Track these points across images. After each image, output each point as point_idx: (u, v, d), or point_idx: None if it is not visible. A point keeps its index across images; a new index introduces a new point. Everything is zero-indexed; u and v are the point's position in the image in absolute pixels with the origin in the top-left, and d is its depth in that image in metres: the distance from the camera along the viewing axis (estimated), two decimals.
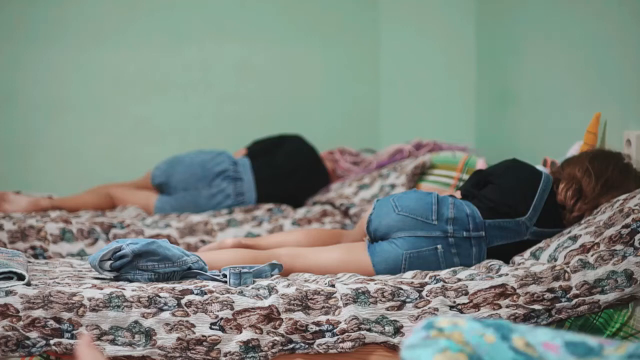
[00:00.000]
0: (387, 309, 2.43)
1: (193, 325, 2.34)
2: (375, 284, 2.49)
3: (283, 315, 2.38)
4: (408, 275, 2.65)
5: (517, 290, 2.48)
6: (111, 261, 2.52)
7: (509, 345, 1.39)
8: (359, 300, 2.43)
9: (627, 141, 3.06)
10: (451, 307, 2.46)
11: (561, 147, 3.37)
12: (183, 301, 2.36)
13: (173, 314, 2.34)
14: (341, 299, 2.43)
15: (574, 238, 2.65)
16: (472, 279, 2.52)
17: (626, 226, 2.56)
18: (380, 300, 2.44)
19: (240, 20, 4.78)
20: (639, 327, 2.48)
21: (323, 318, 2.40)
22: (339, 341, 2.37)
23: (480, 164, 3.76)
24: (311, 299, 2.42)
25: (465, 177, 3.92)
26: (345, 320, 2.39)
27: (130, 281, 2.50)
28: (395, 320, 2.42)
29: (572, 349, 1.40)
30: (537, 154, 3.43)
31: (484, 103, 4.55)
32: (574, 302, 2.48)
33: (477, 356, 1.36)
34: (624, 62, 3.20)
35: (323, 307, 2.41)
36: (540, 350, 1.40)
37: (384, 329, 2.41)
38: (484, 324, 1.43)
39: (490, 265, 2.65)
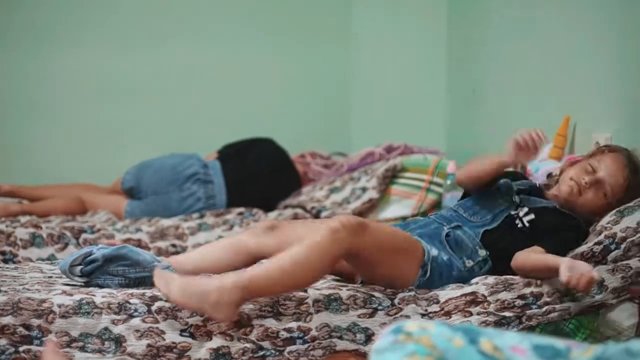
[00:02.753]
0: (358, 316, 2.42)
1: (163, 332, 2.32)
2: (348, 290, 2.48)
3: (254, 322, 2.37)
4: None
5: (488, 298, 2.48)
6: (82, 266, 2.50)
7: (477, 348, 1.39)
8: (330, 307, 2.42)
9: (596, 143, 3.08)
10: (423, 315, 2.45)
11: None
12: (153, 308, 2.35)
13: (143, 321, 2.33)
14: (313, 305, 2.42)
15: None
16: (442, 289, 2.52)
17: (598, 243, 2.55)
18: (352, 307, 2.43)
19: (211, 24, 4.77)
20: (608, 334, 2.48)
21: (294, 325, 2.38)
22: (309, 349, 2.36)
23: (451, 167, 3.77)
24: (282, 305, 2.41)
25: (436, 179, 3.92)
26: (317, 327, 2.38)
27: (101, 287, 2.48)
28: (367, 328, 2.41)
29: (540, 352, 1.40)
30: None
31: (454, 106, 4.57)
32: (544, 309, 2.47)
33: None
34: (594, 65, 3.22)
35: (294, 313, 2.40)
36: (508, 353, 1.40)
37: (355, 336, 2.40)
38: (453, 328, 1.43)
39: None
